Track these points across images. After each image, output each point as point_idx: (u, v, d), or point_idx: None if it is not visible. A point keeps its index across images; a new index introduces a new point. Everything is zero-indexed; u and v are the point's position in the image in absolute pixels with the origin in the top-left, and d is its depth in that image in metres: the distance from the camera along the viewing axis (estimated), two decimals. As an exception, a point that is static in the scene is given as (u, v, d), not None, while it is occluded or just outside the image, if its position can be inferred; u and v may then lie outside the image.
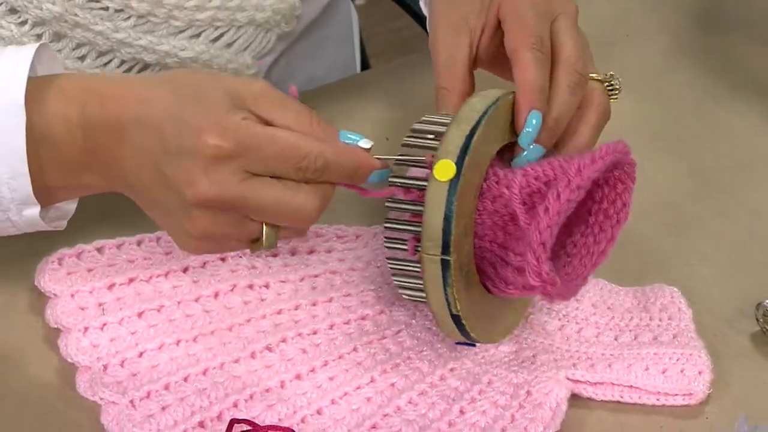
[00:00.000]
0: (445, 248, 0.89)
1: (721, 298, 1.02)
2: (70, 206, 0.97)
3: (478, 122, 0.89)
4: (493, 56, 0.98)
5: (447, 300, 0.90)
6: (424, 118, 0.93)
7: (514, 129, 0.93)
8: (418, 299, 0.93)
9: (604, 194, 0.92)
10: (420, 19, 1.32)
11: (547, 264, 0.87)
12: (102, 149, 0.90)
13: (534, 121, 0.92)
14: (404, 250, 0.91)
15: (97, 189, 0.94)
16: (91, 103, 0.90)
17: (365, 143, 0.91)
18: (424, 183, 0.89)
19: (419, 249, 0.90)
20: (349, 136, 0.91)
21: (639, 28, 1.30)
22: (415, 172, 0.92)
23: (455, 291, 0.90)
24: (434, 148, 0.90)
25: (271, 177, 0.87)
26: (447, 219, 0.88)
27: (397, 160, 0.92)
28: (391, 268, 0.93)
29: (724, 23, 1.30)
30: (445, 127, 0.91)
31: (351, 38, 1.34)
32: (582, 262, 0.94)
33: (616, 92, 0.98)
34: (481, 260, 0.92)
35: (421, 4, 1.12)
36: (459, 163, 0.88)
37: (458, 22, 0.96)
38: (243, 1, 1.11)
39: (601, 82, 0.97)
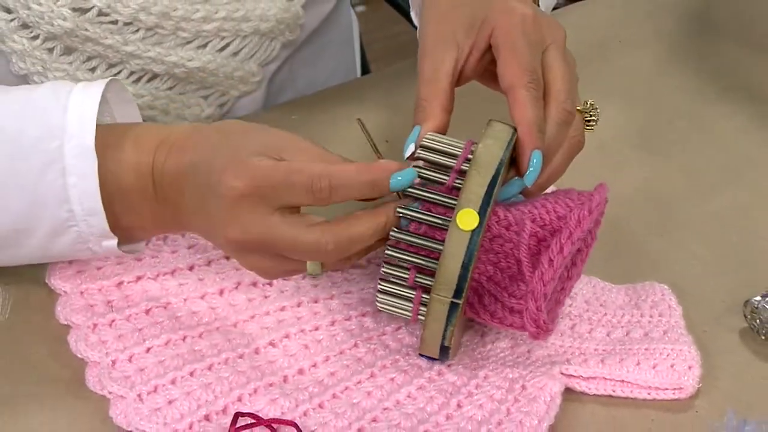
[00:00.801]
0: (458, 293, 0.89)
1: (710, 295, 1.02)
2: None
3: (498, 171, 0.89)
4: (479, 74, 0.98)
5: (444, 335, 0.92)
6: (430, 136, 0.93)
7: (511, 163, 0.93)
8: (399, 314, 0.93)
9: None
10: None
11: (544, 312, 0.89)
12: (170, 195, 0.92)
13: (535, 161, 0.92)
14: (404, 278, 0.91)
15: (171, 232, 0.99)
16: (161, 153, 0.92)
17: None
18: (437, 221, 0.90)
19: (419, 280, 0.90)
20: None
21: (632, 33, 1.30)
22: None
23: (454, 328, 0.91)
24: (448, 166, 0.90)
25: (291, 211, 0.89)
26: (465, 267, 0.89)
27: (419, 173, 0.91)
28: (380, 286, 0.92)
29: (714, 29, 1.30)
30: (453, 148, 0.91)
31: (351, 44, 1.34)
32: (559, 299, 0.95)
33: (593, 123, 0.97)
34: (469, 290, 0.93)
35: (413, 14, 1.11)
36: (482, 214, 0.88)
37: (447, 37, 0.96)
38: (248, 12, 1.11)
39: (581, 112, 0.97)
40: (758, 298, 0.99)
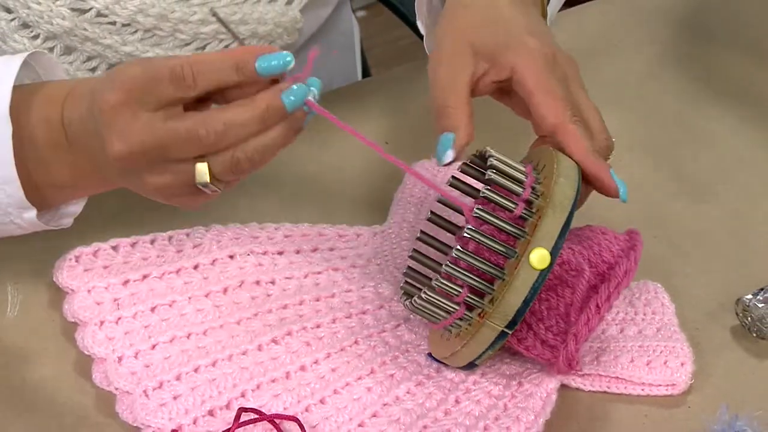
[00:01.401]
0: (511, 325, 0.89)
1: (703, 293, 1.02)
2: (75, 207, 0.97)
3: (571, 212, 0.89)
4: (487, 94, 0.97)
5: (481, 356, 0.91)
6: (498, 156, 0.91)
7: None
8: (426, 318, 0.93)
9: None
10: (417, 30, 1.32)
11: (579, 353, 0.90)
12: (77, 140, 0.90)
13: (616, 179, 0.93)
14: (456, 293, 0.90)
15: (80, 188, 0.94)
16: (69, 103, 0.90)
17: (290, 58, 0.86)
18: (504, 250, 0.89)
19: (469, 300, 0.90)
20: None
21: (625, 39, 1.29)
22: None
23: (489, 354, 0.91)
24: (516, 193, 0.89)
25: (171, 110, 0.86)
26: (526, 303, 0.88)
27: (488, 196, 0.90)
28: (426, 295, 0.91)
29: (705, 34, 1.30)
30: (518, 173, 0.90)
31: (352, 48, 1.33)
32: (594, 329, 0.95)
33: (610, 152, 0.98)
34: None
35: (419, 23, 1.11)
36: (554, 255, 0.88)
37: (467, 52, 0.95)
38: (245, 15, 1.11)
39: None
40: (749, 296, 0.99)
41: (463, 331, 0.91)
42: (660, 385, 0.95)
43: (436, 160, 0.93)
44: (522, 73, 0.94)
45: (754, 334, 0.99)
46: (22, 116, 0.90)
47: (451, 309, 0.90)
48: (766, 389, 0.96)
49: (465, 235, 0.89)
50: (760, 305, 0.98)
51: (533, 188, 0.90)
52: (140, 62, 0.87)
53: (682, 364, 0.95)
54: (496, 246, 0.89)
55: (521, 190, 0.90)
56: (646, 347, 0.96)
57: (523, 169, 0.91)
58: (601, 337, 0.98)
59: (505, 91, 0.97)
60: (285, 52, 0.86)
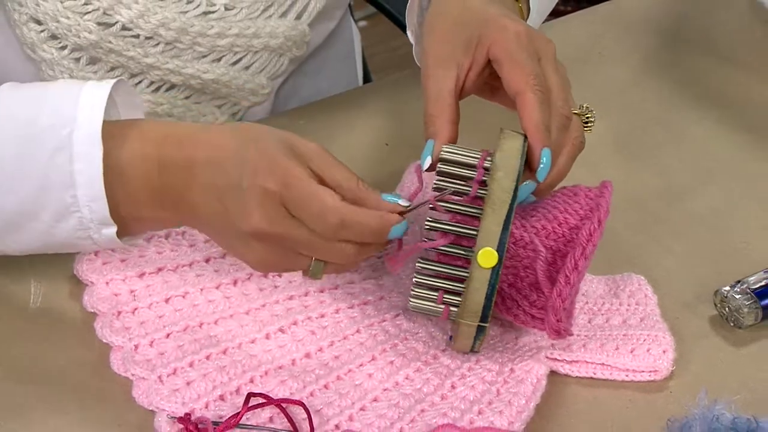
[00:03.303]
0: (483, 319, 0.89)
1: (683, 285, 1.02)
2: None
3: (511, 207, 0.88)
4: (479, 88, 0.97)
5: (472, 347, 0.92)
6: (447, 147, 0.91)
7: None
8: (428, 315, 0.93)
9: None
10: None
11: (564, 321, 0.89)
12: (174, 187, 0.90)
13: (545, 159, 0.91)
14: (433, 297, 0.90)
15: (167, 224, 0.96)
16: (168, 145, 0.90)
17: (403, 202, 0.90)
18: (462, 252, 0.89)
19: (447, 300, 0.90)
20: (390, 197, 0.90)
21: (610, 47, 1.29)
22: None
23: (482, 342, 0.91)
24: (468, 177, 0.89)
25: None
26: (488, 298, 0.88)
27: (439, 185, 0.90)
28: (412, 303, 0.91)
29: (685, 43, 1.30)
30: (470, 158, 0.90)
31: (353, 57, 1.33)
32: (572, 294, 0.94)
33: (591, 124, 0.97)
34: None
35: (408, 34, 1.10)
36: (500, 250, 0.88)
37: (447, 56, 0.95)
38: (258, 29, 1.11)
39: (579, 115, 0.96)
40: (727, 288, 0.99)
41: (454, 326, 0.91)
42: (643, 372, 0.95)
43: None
44: (495, 49, 0.93)
45: (732, 324, 0.99)
46: (116, 147, 0.91)
47: (439, 309, 0.90)
48: (743, 375, 0.95)
49: (426, 226, 0.90)
50: (737, 296, 0.98)
51: (485, 168, 0.90)
52: (298, 157, 0.88)
53: (664, 352, 0.95)
54: (455, 251, 0.90)
55: (473, 173, 0.89)
56: (630, 336, 0.96)
57: (477, 154, 0.90)
58: (587, 327, 0.97)
59: (493, 87, 0.97)
60: (405, 221, 0.89)
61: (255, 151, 0.88)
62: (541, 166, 0.91)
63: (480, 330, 0.90)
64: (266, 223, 0.87)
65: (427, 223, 0.90)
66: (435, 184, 0.91)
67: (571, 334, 0.93)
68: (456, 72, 0.94)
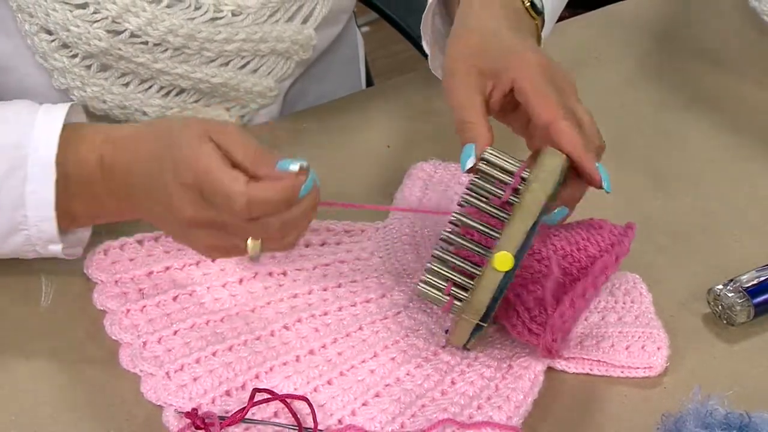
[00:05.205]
0: (484, 318, 0.89)
1: (677, 284, 1.02)
2: (85, 234, 0.98)
3: (538, 218, 0.88)
4: (496, 112, 0.97)
5: (466, 343, 0.92)
6: (491, 151, 0.91)
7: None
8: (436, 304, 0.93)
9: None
10: (416, 43, 1.31)
11: (558, 343, 0.90)
12: (118, 185, 0.91)
13: (602, 171, 0.91)
14: (442, 287, 0.90)
15: (117, 217, 0.96)
16: (106, 151, 0.91)
17: (294, 166, 0.87)
18: (481, 250, 0.89)
19: (453, 292, 0.90)
20: (285, 161, 0.88)
21: (605, 52, 1.29)
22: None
23: (475, 341, 0.91)
24: (504, 182, 0.89)
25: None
26: (494, 300, 0.88)
27: (476, 182, 0.90)
28: (420, 287, 0.91)
29: (679, 47, 1.30)
30: (510, 165, 0.89)
31: (357, 61, 1.33)
32: (573, 319, 0.93)
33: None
34: None
35: (424, 44, 1.10)
36: (517, 258, 0.87)
37: (475, 73, 0.94)
38: (265, 34, 1.10)
39: None
40: (720, 286, 0.98)
41: (454, 318, 0.91)
42: (638, 368, 0.94)
43: (461, 167, 0.92)
44: (521, 82, 0.93)
45: (725, 321, 0.98)
46: (66, 154, 0.91)
47: (442, 300, 0.90)
48: (735, 372, 0.95)
49: (451, 218, 0.90)
50: (729, 294, 0.98)
51: (523, 178, 0.89)
52: (215, 138, 0.87)
53: (658, 349, 0.94)
54: (474, 248, 0.89)
55: (511, 179, 0.90)
56: (625, 333, 0.95)
57: (517, 162, 0.91)
58: (584, 324, 0.97)
59: (507, 110, 0.96)
60: (309, 179, 0.88)
61: (171, 149, 0.88)
62: (603, 176, 0.91)
63: (478, 328, 0.90)
64: (193, 212, 0.87)
65: (454, 215, 0.90)
66: (472, 181, 0.90)
67: (562, 357, 0.93)
68: (483, 89, 0.94)
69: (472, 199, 0.91)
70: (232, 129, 0.89)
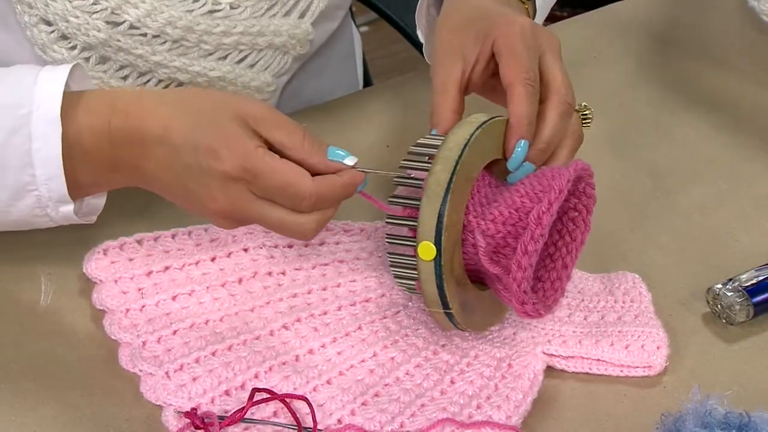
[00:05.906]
0: (445, 306, 0.89)
1: (676, 283, 1.01)
2: (99, 201, 0.97)
3: (444, 200, 0.87)
4: (485, 82, 0.97)
5: (456, 327, 0.91)
6: (419, 141, 0.91)
7: (502, 148, 0.92)
8: (413, 293, 0.93)
9: (572, 206, 0.92)
10: (415, 43, 1.31)
11: (530, 303, 0.88)
12: (127, 158, 0.90)
13: (519, 149, 0.91)
14: (412, 286, 0.91)
15: (125, 185, 0.95)
16: (115, 118, 0.90)
17: (350, 160, 0.90)
18: (409, 243, 0.89)
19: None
20: (337, 152, 0.90)
21: (605, 51, 1.29)
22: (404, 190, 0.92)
23: (456, 322, 0.91)
24: (428, 170, 0.88)
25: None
26: (439, 287, 0.88)
27: (395, 180, 0.91)
28: (391, 263, 0.92)
29: (677, 46, 1.30)
30: (434, 149, 0.89)
31: (353, 58, 1.33)
32: (559, 275, 0.92)
33: (589, 121, 0.97)
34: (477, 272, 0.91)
35: (419, 32, 1.11)
36: (438, 243, 0.87)
37: (455, 49, 0.95)
38: (263, 28, 1.10)
39: (577, 111, 0.96)
40: (719, 285, 0.98)
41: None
42: (638, 367, 0.94)
43: None
44: (499, 42, 0.94)
45: (724, 321, 0.98)
46: (67, 121, 0.90)
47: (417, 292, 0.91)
48: (735, 371, 0.95)
49: (387, 221, 0.90)
50: (729, 294, 0.97)
51: (430, 157, 0.89)
52: (253, 125, 0.87)
53: (657, 348, 0.94)
54: (406, 243, 0.89)
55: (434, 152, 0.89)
56: (625, 332, 0.95)
57: (439, 143, 0.89)
58: (583, 324, 0.97)
59: (495, 87, 0.96)
60: (365, 179, 0.90)
61: (210, 133, 0.87)
62: (513, 155, 0.91)
63: (448, 316, 0.89)
64: (230, 206, 0.87)
65: (387, 219, 0.90)
66: (401, 164, 0.90)
67: (541, 315, 0.90)
68: (462, 65, 0.95)
69: (398, 200, 0.90)
70: (269, 111, 0.88)
